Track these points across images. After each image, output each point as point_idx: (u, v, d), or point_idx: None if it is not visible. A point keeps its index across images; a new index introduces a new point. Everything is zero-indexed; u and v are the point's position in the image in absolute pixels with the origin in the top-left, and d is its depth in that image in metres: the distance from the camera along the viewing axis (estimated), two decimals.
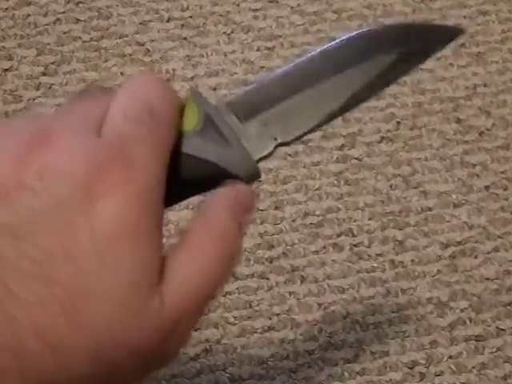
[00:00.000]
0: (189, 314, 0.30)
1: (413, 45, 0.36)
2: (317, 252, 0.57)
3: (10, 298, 0.27)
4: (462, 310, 0.56)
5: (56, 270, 0.27)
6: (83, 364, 0.28)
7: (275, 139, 0.35)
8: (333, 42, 0.35)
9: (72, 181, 0.28)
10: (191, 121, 0.33)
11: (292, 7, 0.67)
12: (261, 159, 0.34)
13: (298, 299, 0.56)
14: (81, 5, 0.65)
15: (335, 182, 0.60)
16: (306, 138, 0.61)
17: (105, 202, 0.28)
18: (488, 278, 0.57)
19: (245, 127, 0.34)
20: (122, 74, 0.63)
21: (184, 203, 0.35)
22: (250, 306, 0.55)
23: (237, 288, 0.56)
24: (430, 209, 0.60)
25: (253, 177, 0.34)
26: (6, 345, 0.27)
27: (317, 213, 0.59)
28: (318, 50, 0.35)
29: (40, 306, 0.27)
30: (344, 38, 0.35)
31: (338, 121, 0.62)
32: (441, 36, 0.37)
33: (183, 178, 0.32)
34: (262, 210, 0.58)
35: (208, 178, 0.33)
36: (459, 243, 0.58)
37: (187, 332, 0.31)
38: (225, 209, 0.31)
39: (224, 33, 0.65)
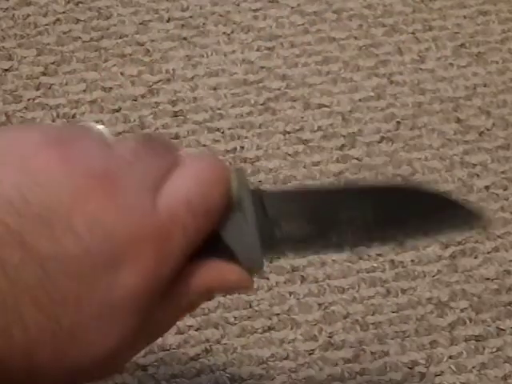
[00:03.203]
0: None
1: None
2: None
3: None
4: (462, 310, 0.56)
5: (62, 312, 0.28)
6: None
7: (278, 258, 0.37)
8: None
9: (114, 242, 0.29)
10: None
11: (292, 7, 0.67)
12: (267, 255, 0.36)
13: (298, 299, 0.56)
14: (81, 5, 0.65)
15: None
16: (306, 137, 0.62)
17: (127, 273, 0.29)
18: (488, 278, 0.57)
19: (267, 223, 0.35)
20: (121, 74, 0.63)
21: None
22: (250, 306, 0.55)
23: None
24: None
25: (253, 264, 0.35)
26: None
27: None
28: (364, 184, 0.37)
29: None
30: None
31: (338, 121, 0.62)
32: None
33: None
34: None
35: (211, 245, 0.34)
36: (459, 243, 0.58)
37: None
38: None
39: (224, 33, 0.65)
